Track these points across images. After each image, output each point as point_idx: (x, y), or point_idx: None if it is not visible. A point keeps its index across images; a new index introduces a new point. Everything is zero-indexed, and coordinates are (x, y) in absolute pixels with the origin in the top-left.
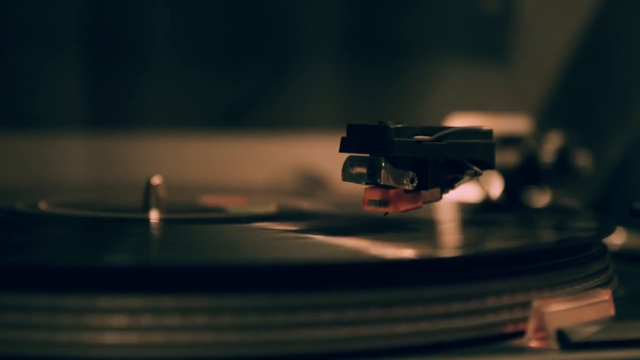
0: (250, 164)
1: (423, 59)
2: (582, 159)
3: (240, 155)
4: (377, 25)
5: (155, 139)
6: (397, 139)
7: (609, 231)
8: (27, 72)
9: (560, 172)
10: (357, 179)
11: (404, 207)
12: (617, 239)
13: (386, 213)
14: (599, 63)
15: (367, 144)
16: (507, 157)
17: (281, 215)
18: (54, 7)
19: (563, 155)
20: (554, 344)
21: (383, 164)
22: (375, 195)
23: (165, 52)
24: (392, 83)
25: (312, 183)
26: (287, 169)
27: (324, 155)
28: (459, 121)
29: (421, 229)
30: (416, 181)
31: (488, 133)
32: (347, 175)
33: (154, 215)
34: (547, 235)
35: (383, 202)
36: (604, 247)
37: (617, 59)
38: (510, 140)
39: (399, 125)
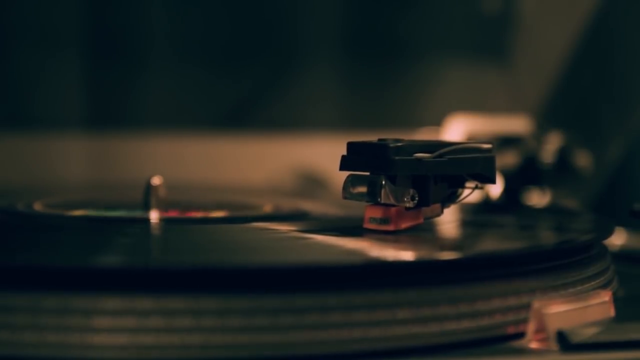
0: (251, 164)
1: (423, 59)
2: (582, 159)
3: (241, 155)
4: (378, 26)
5: (155, 139)
6: (397, 157)
7: (609, 233)
8: (27, 72)
9: (560, 172)
10: (357, 197)
11: (405, 224)
12: (617, 239)
13: (387, 231)
14: (599, 63)
15: (367, 163)
16: (507, 158)
17: (281, 216)
18: (54, 7)
19: (563, 155)
20: (554, 345)
21: (383, 183)
22: (376, 213)
23: (165, 52)
24: (392, 83)
25: (312, 183)
26: (287, 169)
27: (324, 155)
28: (459, 121)
29: (421, 229)
30: (417, 198)
31: (488, 149)
32: (347, 194)
33: (154, 215)
34: (547, 237)
35: (384, 220)
36: (604, 248)
37: (617, 59)
38: (510, 141)
39: (399, 144)
